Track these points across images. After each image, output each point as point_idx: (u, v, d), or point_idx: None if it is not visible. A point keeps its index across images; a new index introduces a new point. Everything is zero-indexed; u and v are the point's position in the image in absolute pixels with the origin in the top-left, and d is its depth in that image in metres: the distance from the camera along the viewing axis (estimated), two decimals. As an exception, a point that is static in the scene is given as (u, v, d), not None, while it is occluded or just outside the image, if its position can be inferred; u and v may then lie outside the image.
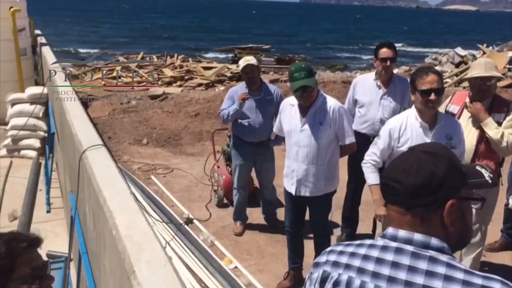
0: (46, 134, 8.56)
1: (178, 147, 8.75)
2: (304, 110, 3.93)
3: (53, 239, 5.83)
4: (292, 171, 4.06)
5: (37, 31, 12.65)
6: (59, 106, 5.88)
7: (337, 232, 5.49)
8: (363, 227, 5.54)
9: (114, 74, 20.87)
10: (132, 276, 1.93)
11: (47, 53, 9.23)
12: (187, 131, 9.65)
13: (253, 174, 5.77)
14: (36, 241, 1.59)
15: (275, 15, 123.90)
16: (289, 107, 4.05)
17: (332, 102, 3.91)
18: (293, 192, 4.09)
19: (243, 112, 5.11)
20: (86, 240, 3.61)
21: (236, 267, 4.75)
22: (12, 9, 9.65)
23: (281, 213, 5.85)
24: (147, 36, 52.45)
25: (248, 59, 5.20)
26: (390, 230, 1.40)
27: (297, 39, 56.74)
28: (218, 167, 6.29)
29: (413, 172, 1.37)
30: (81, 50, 31.79)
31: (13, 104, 8.89)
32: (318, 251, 4.28)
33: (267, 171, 5.59)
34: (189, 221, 5.45)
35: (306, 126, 3.91)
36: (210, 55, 37.35)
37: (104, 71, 21.50)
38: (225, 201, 6.10)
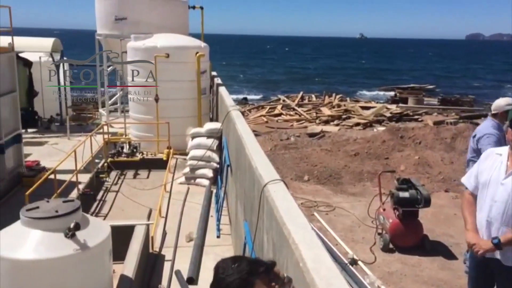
0: (218, 165, 9.39)
1: (339, 185, 8.77)
2: None
3: (222, 263, 6.28)
4: (480, 227, 3.57)
5: (214, 73, 14.16)
6: (236, 141, 6.41)
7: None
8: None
9: (276, 112, 22.08)
10: (324, 310, 1.98)
11: (224, 93, 10.22)
12: (347, 170, 9.62)
13: (422, 220, 5.44)
14: (272, 265, 1.77)
15: (438, 54, 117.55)
16: (495, 156, 3.59)
17: None
18: None
19: None
20: (261, 268, 3.79)
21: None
22: (198, 54, 11.01)
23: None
24: (306, 76, 54.56)
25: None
26: None
27: (464, 79, 52.72)
28: (384, 209, 6.11)
29: None
30: (248, 97, 34.15)
31: (193, 137, 9.96)
32: None
33: None
34: (353, 262, 5.37)
35: (510, 180, 3.39)
36: (369, 94, 36.96)
37: (267, 109, 22.94)
38: (391, 245, 5.86)
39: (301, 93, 27.08)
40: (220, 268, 1.71)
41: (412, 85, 33.30)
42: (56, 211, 3.86)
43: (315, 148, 12.41)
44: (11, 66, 9.01)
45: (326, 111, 21.99)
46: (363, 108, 22.60)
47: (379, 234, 6.14)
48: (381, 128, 17.37)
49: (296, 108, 22.94)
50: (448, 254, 5.72)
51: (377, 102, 26.38)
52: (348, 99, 26.51)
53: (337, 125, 19.59)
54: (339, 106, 23.35)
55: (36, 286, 3.73)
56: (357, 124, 19.29)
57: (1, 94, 8.41)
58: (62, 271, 3.81)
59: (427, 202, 5.84)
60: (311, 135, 16.75)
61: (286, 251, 2.88)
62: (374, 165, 9.58)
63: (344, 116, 20.95)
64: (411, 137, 12.42)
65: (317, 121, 20.42)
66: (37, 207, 3.95)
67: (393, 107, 23.08)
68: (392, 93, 30.98)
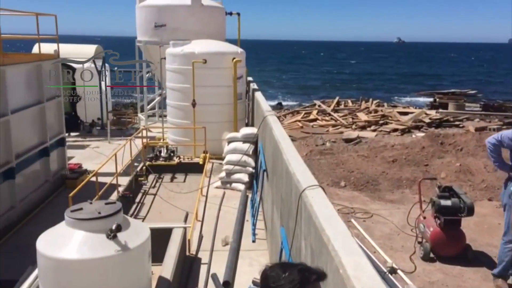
0: (253, 170, 9.42)
1: (376, 192, 8.60)
2: None
3: (257, 267, 6.23)
4: None
5: (249, 78, 14.23)
6: (273, 146, 6.42)
7: None
8: None
9: (311, 117, 21.94)
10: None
11: (260, 98, 10.24)
12: (385, 176, 9.43)
13: (465, 229, 5.25)
14: (323, 276, 1.75)
15: (480, 58, 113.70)
16: None
17: None
18: None
19: None
20: (298, 274, 3.76)
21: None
22: (234, 60, 11.11)
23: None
24: (342, 81, 54.04)
25: None
26: None
27: (508, 84, 50.68)
28: (425, 218, 5.95)
29: None
30: (283, 102, 33.91)
31: (229, 142, 10.03)
32: None
33: None
34: (392, 271, 5.25)
35: None
36: (407, 99, 36.17)
37: (302, 114, 22.85)
38: (432, 255, 5.69)
39: (337, 98, 26.82)
40: (270, 277, 1.67)
41: (452, 90, 32.39)
42: (99, 213, 3.97)
43: (351, 154, 12.24)
44: (56, 72, 9.38)
45: (362, 116, 21.67)
46: (401, 113, 22.13)
47: (419, 242, 5.98)
48: (420, 134, 16.95)
49: (332, 113, 22.73)
50: (492, 265, 5.50)
51: (415, 108, 25.77)
52: (385, 104, 26.04)
53: (374, 130, 19.27)
54: (376, 111, 22.96)
55: (78, 285, 3.84)
56: (395, 130, 18.90)
57: (47, 99, 8.77)
58: (104, 271, 3.90)
59: (470, 211, 5.64)
60: (347, 140, 16.54)
61: (325, 258, 2.85)
62: (413, 172, 9.35)
63: (381, 122, 20.58)
64: (451, 143, 12.05)
65: (353, 126, 20.15)
66: (81, 209, 4.07)
67: (432, 112, 22.50)
68: (431, 99, 30.20)
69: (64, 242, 3.87)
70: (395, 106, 25.90)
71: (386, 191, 8.73)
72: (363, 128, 19.81)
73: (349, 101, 26.89)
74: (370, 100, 26.29)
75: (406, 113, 22.20)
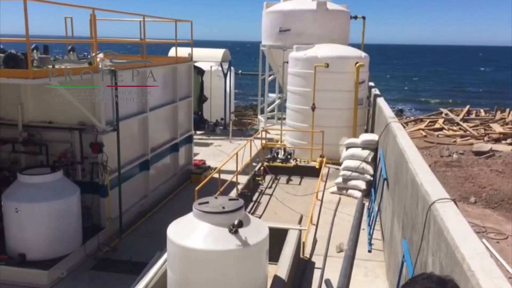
0: (371, 178, 9.10)
1: (513, 212, 7.73)
2: None
3: (373, 278, 6.05)
4: None
5: (371, 83, 13.79)
6: (396, 154, 6.12)
7: None
8: None
9: (436, 126, 20.54)
10: None
11: (383, 104, 9.85)
12: (524, 196, 8.42)
13: None
14: None
15: None
16: None
17: None
18: None
19: None
20: (422, 291, 3.53)
21: None
22: (357, 64, 10.87)
23: None
24: (474, 89, 49.74)
25: None
26: None
27: None
28: None
29: None
30: (404, 109, 31.94)
31: (347, 148, 9.84)
32: None
33: None
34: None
35: None
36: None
37: (426, 122, 21.50)
38: None
39: (468, 107, 24.69)
40: None
41: None
42: (223, 208, 4.16)
43: (482, 168, 11.19)
44: (189, 74, 10.11)
45: (497, 128, 19.66)
46: (545, 126, 19.61)
47: None
48: None
49: (461, 123, 21.00)
50: None
51: None
52: (525, 115, 23.28)
53: (510, 144, 17.35)
54: (513, 123, 20.67)
55: (201, 273, 4.07)
56: (537, 145, 16.80)
57: (180, 98, 9.50)
58: (225, 263, 4.08)
59: None
60: (478, 153, 15.13)
61: (458, 278, 2.62)
62: (561, 194, 8.20)
63: (520, 135, 18.45)
64: None
65: (486, 138, 18.37)
66: (207, 202, 4.31)
67: None
68: None
69: (191, 232, 4.14)
70: (537, 118, 23.00)
71: (525, 212, 7.79)
72: (497, 140, 17.96)
73: (482, 110, 24.57)
74: (507, 110, 23.71)
75: (551, 126, 19.61)
